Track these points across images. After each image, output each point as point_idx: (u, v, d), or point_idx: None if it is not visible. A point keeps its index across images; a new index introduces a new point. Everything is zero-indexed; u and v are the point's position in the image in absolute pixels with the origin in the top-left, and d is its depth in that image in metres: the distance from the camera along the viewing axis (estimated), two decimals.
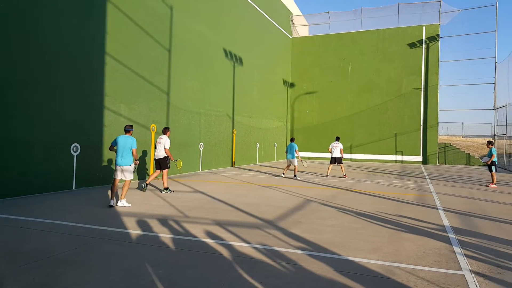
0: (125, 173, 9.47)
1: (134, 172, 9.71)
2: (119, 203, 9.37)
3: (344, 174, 17.93)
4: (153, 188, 12.91)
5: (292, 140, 17.84)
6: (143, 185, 12.21)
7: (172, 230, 7.09)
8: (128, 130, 9.69)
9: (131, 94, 14.72)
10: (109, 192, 9.62)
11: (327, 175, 18.07)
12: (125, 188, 9.48)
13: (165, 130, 12.30)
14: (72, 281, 4.60)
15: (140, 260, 5.36)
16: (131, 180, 9.60)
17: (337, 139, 18.71)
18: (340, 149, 18.02)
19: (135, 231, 7.04)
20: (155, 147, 12.21)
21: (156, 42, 16.10)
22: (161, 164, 12.09)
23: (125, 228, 7.27)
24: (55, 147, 11.68)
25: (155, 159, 12.18)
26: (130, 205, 9.51)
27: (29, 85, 10.93)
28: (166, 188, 11.97)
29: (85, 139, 12.69)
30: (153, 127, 15.75)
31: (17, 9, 10.56)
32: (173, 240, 6.43)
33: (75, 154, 12.35)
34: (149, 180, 12.24)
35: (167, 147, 11.98)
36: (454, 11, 29.51)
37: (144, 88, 15.40)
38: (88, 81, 12.84)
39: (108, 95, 13.58)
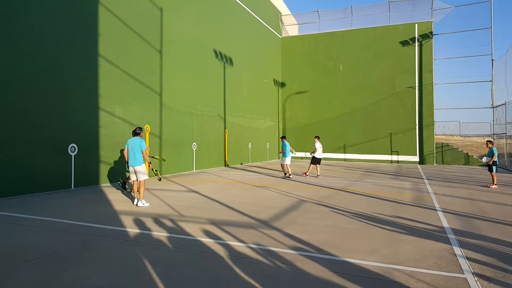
0: (138, 174, 9.73)
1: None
2: (139, 204, 9.61)
3: (318, 174, 18.03)
4: (149, 187, 12.83)
5: (283, 138, 17.82)
6: (120, 184, 12.33)
7: (169, 229, 7.11)
8: (138, 132, 10.04)
9: (125, 95, 14.79)
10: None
11: (306, 174, 18.30)
12: (141, 189, 9.74)
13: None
14: (74, 277, 4.67)
15: (139, 258, 5.40)
16: (144, 180, 9.80)
17: (318, 138, 18.78)
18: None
19: (132, 229, 7.07)
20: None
21: (147, 43, 16.13)
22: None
23: (123, 226, 7.31)
24: (53, 147, 11.90)
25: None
26: (148, 204, 9.71)
27: (26, 89, 11.16)
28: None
29: (82, 140, 12.86)
30: (147, 127, 15.75)
31: (9, 14, 10.62)
32: (170, 238, 6.45)
33: (72, 154, 12.48)
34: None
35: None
36: (446, 8, 29.03)
37: (137, 89, 15.47)
38: (82, 83, 12.99)
39: (103, 96, 13.67)
